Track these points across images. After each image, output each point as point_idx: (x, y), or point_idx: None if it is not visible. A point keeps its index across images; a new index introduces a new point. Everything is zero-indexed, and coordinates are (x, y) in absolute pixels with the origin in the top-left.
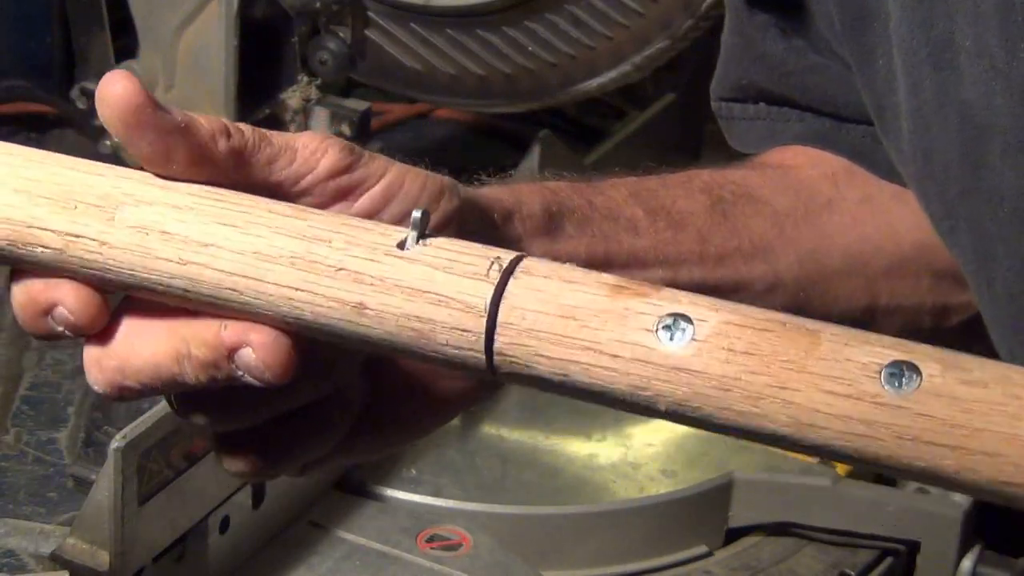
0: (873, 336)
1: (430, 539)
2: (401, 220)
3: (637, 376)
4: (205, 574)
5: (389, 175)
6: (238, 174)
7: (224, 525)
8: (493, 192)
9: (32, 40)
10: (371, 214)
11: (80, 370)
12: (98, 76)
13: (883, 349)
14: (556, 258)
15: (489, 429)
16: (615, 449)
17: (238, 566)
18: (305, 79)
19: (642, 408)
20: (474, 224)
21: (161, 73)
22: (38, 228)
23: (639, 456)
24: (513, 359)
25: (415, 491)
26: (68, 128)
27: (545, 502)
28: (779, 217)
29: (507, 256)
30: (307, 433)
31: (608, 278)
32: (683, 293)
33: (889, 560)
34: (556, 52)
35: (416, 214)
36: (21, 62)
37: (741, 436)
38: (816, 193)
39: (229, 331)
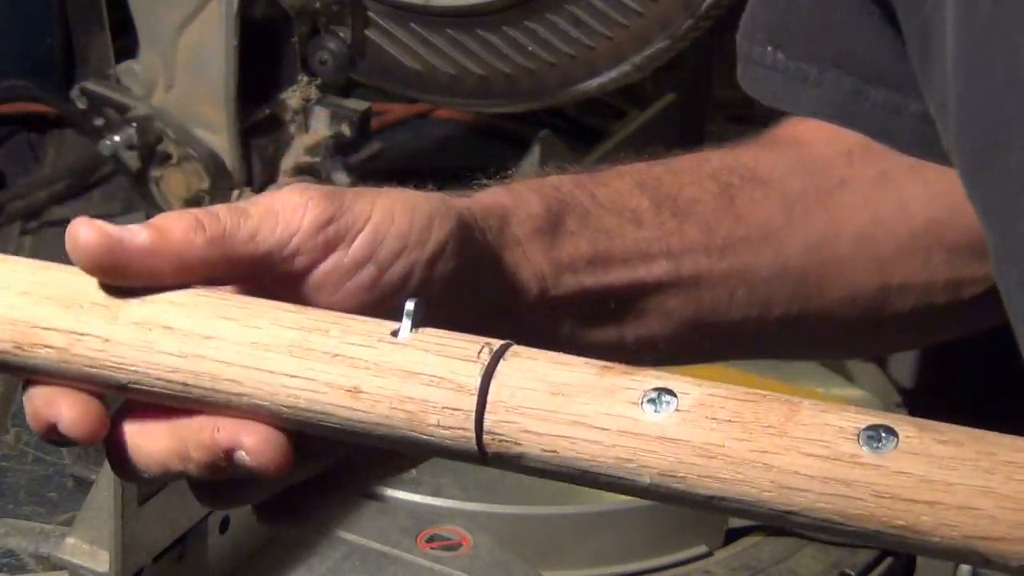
0: (850, 406)
1: (430, 539)
2: (398, 256)
3: (623, 448)
4: (205, 574)
5: (376, 215)
6: (226, 261)
7: (224, 525)
8: (489, 197)
9: (32, 40)
10: (366, 258)
11: None
12: (98, 76)
13: (860, 416)
14: (559, 258)
15: None
16: None
17: (238, 566)
18: (305, 79)
19: (627, 483)
20: (471, 245)
21: (161, 73)
22: (42, 328)
23: None
24: (502, 437)
25: (415, 491)
26: (68, 128)
27: (545, 502)
28: (789, 201)
29: (497, 342)
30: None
31: (595, 361)
32: (667, 373)
33: (889, 560)
34: (556, 52)
35: (409, 306)
36: (21, 62)
37: (722, 508)
38: (830, 173)
39: (222, 434)
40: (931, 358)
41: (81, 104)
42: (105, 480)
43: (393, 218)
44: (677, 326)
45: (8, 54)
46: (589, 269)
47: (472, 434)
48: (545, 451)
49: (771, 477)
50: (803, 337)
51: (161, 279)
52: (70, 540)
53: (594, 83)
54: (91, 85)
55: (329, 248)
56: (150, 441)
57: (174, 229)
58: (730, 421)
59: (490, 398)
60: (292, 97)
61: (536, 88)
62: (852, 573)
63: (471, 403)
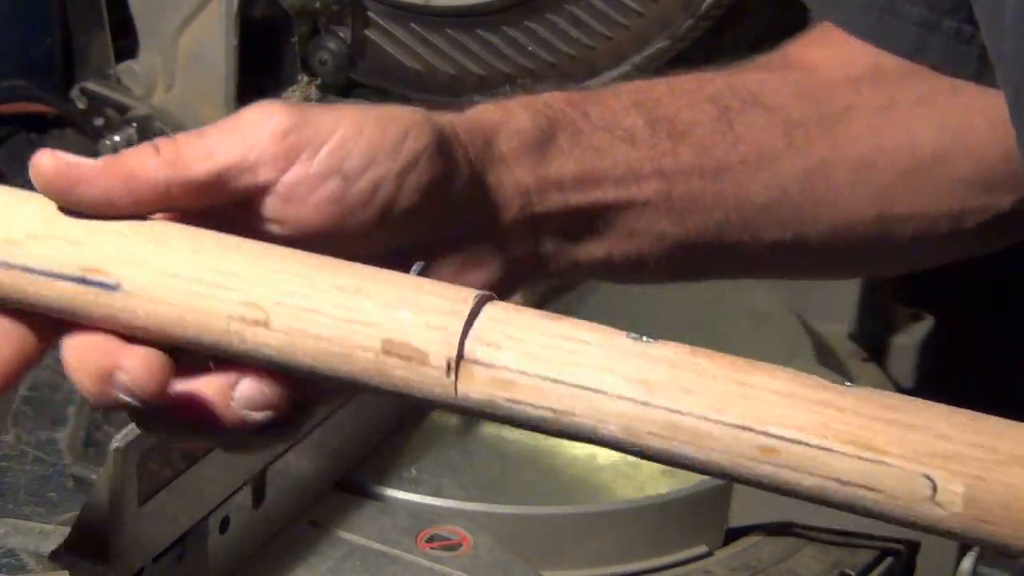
0: None
1: (430, 539)
2: (366, 169)
3: (600, 357)
4: (205, 574)
5: (343, 127)
6: (183, 182)
7: (224, 525)
8: (477, 113)
9: (32, 40)
10: (332, 169)
11: None
12: (98, 76)
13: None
14: (545, 175)
15: (489, 429)
16: None
17: (238, 566)
18: (305, 79)
19: (594, 391)
20: (448, 159)
21: (161, 73)
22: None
23: None
24: (487, 341)
25: (415, 491)
26: (68, 128)
27: (545, 502)
28: (790, 127)
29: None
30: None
31: None
32: None
33: (889, 560)
34: (556, 52)
35: (416, 268)
36: (21, 62)
37: (681, 436)
38: (835, 99)
39: (107, 357)
40: (931, 358)
41: (81, 104)
42: (105, 480)
43: (362, 131)
44: (668, 247)
45: (8, 54)
46: (577, 187)
47: (458, 332)
48: (524, 355)
49: (742, 392)
50: (798, 262)
51: (116, 203)
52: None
53: (594, 83)
54: (91, 85)
55: (291, 157)
56: (69, 363)
57: (128, 153)
58: (710, 355)
59: (483, 313)
60: (292, 97)
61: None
62: (852, 573)
63: (464, 310)
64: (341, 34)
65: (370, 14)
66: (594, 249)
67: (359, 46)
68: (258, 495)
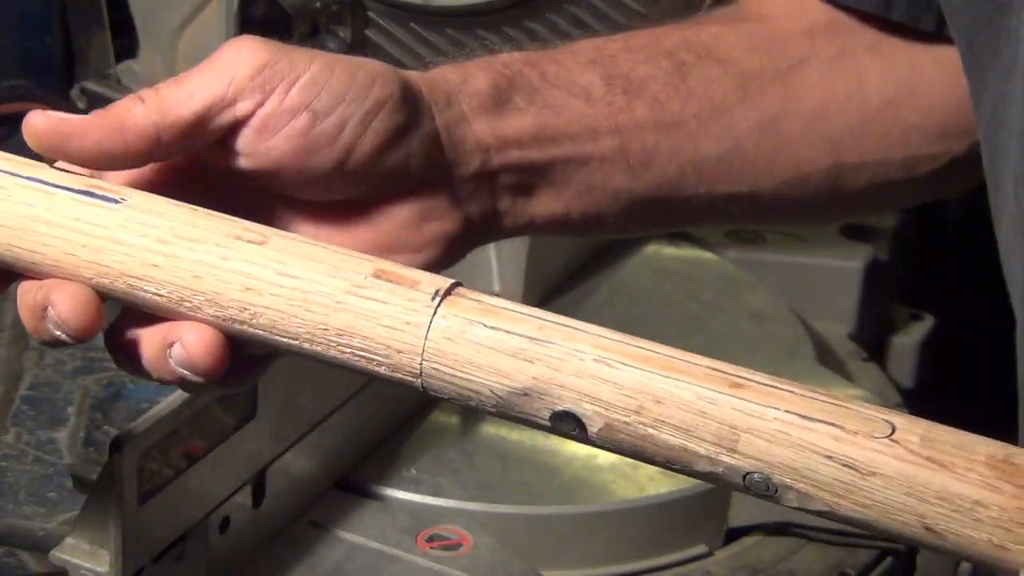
0: None
1: (430, 539)
2: (335, 108)
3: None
4: (205, 574)
5: (315, 67)
6: (169, 126)
7: (224, 525)
8: (439, 73)
9: (32, 40)
10: (303, 104)
11: (80, 370)
12: (98, 76)
13: None
14: (503, 133)
15: (489, 429)
16: None
17: (238, 566)
18: None
19: (575, 331)
20: (412, 110)
21: (161, 73)
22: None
23: None
24: (462, 298)
25: (415, 491)
26: None
27: (545, 502)
28: (744, 79)
29: None
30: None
31: None
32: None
33: (889, 560)
34: None
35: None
36: (21, 62)
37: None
38: (790, 51)
39: (41, 292)
40: (931, 358)
41: (81, 104)
42: (105, 480)
43: (333, 71)
44: (624, 201)
45: (8, 54)
46: (535, 144)
47: (451, 281)
48: (511, 302)
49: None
50: (753, 212)
51: (109, 153)
52: (70, 540)
53: None
54: (91, 85)
55: (268, 90)
56: (19, 299)
57: (116, 105)
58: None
59: (458, 288)
60: None
61: None
62: (852, 573)
63: (444, 282)
64: (341, 34)
65: (370, 14)
66: (552, 205)
67: (359, 46)
68: (258, 495)
